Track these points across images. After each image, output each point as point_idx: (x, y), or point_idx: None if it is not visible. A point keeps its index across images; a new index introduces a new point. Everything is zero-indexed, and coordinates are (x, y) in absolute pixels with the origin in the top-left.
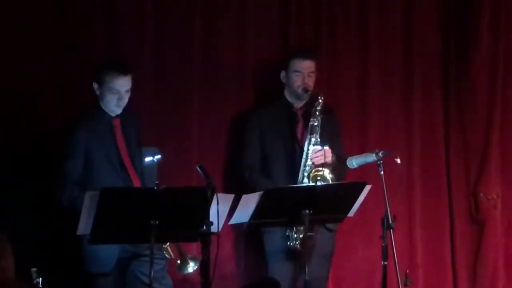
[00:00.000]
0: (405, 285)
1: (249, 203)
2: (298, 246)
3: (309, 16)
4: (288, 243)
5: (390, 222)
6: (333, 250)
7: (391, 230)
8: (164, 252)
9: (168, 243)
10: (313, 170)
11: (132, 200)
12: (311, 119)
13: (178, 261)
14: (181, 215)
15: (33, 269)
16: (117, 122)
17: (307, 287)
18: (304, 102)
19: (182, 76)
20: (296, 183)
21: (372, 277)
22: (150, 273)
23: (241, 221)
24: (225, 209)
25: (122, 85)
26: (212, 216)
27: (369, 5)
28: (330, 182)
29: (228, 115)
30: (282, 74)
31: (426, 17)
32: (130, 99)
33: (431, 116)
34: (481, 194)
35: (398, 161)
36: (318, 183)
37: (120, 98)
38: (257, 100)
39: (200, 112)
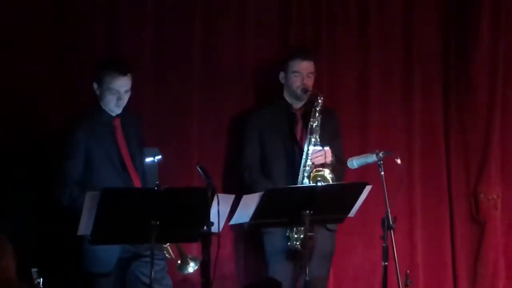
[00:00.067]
0: (406, 285)
1: (250, 203)
2: (299, 246)
3: (309, 16)
4: (289, 243)
5: (391, 222)
6: (333, 250)
7: (392, 231)
8: (165, 252)
9: (168, 243)
10: (314, 170)
11: (132, 200)
12: (311, 119)
13: (179, 261)
14: (182, 216)
15: (34, 269)
16: (117, 122)
17: (307, 287)
18: (303, 102)
19: (182, 76)
20: (296, 183)
21: (372, 278)
22: (151, 273)
23: (241, 222)
24: (225, 209)
25: (122, 85)
26: (213, 217)
27: (369, 5)
28: (331, 182)
29: (228, 115)
30: (281, 75)
31: (426, 17)
32: (130, 99)
33: (431, 116)
34: (482, 195)
35: (399, 161)
36: (319, 184)
37: (119, 98)
38: (257, 100)
39: (200, 112)
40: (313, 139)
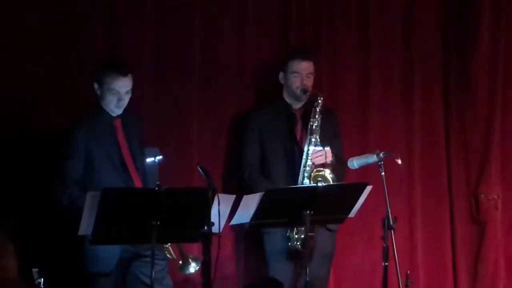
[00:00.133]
0: (406, 286)
1: (250, 203)
2: (299, 246)
3: (309, 16)
4: (289, 243)
5: (391, 223)
6: (333, 250)
7: (392, 231)
8: (166, 253)
9: (169, 244)
10: (314, 171)
11: (133, 200)
12: (311, 119)
13: (180, 262)
14: (182, 216)
15: (35, 270)
16: (118, 123)
17: (308, 287)
18: (302, 103)
19: (182, 76)
20: (296, 184)
21: (373, 278)
22: (151, 273)
23: (242, 222)
24: (226, 209)
25: (122, 86)
26: (213, 217)
27: (369, 5)
28: (331, 182)
29: (228, 115)
30: (281, 75)
31: (426, 17)
32: (131, 99)
33: (431, 116)
34: (482, 195)
35: (399, 162)
36: (319, 184)
37: (120, 99)
38: (257, 100)
39: (200, 112)
40: (313, 139)
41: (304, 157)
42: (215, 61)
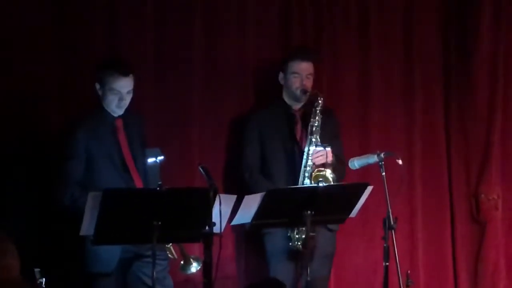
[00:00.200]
0: (407, 285)
1: (251, 204)
2: (300, 246)
3: (310, 16)
4: (290, 243)
5: (392, 223)
6: (334, 250)
7: (393, 231)
8: (167, 253)
9: (170, 244)
10: (315, 171)
11: (135, 201)
12: (311, 119)
13: (182, 262)
14: (184, 216)
15: (37, 270)
16: (119, 123)
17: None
18: (302, 103)
19: (182, 76)
20: (296, 184)
21: (373, 278)
22: (153, 274)
23: (243, 222)
24: (227, 210)
25: (123, 86)
26: (214, 217)
27: (369, 5)
28: (332, 182)
29: (228, 115)
30: (280, 75)
31: (426, 17)
32: (132, 99)
33: (431, 116)
34: (482, 195)
35: (400, 162)
36: (320, 184)
37: (121, 99)
38: (257, 100)
39: (200, 112)
40: (313, 140)
41: (304, 157)
42: (215, 61)
